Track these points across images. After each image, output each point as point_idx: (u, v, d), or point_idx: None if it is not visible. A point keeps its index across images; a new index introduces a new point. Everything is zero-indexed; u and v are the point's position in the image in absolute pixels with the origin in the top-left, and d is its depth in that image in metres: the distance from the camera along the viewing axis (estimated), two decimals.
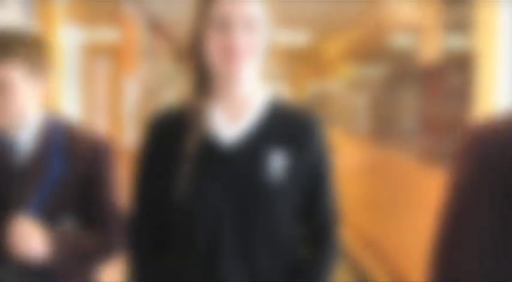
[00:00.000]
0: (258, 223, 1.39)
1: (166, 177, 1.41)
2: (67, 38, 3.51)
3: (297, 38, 7.73)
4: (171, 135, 1.43)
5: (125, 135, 5.15)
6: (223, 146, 1.41)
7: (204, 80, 1.45)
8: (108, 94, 4.65)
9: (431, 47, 4.09)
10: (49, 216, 1.56)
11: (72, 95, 3.65)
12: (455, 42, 3.66)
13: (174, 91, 8.29)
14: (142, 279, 1.47)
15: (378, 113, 5.93)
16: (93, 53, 4.13)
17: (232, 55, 1.38)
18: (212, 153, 1.40)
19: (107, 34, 4.67)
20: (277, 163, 1.40)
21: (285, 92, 10.95)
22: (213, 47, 1.39)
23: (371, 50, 6.19)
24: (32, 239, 1.47)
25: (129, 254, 1.50)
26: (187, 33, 1.46)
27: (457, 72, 3.53)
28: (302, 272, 1.44)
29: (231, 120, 1.43)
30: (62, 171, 1.58)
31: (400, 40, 5.07)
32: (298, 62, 10.71)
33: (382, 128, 5.70)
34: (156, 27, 6.54)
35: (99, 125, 4.39)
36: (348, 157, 6.96)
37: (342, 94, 8.01)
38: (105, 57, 4.60)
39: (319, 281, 1.45)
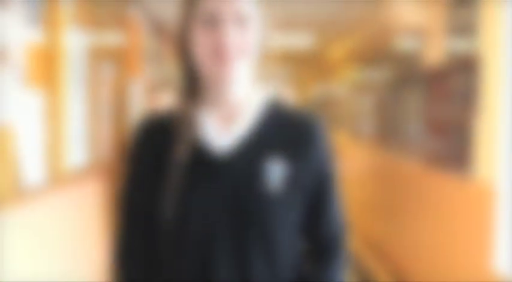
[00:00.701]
0: (254, 235, 1.28)
1: (155, 187, 1.30)
2: (72, 42, 3.52)
3: (301, 41, 7.73)
4: (160, 142, 1.32)
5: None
6: (216, 154, 1.30)
7: (194, 82, 1.34)
8: (113, 98, 4.67)
9: (436, 50, 4.09)
10: None
11: (78, 98, 3.67)
12: (459, 45, 3.67)
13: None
14: None
15: (383, 116, 5.93)
16: (98, 56, 4.15)
17: (222, 54, 1.27)
18: (204, 162, 1.29)
19: (112, 38, 4.69)
20: (276, 171, 1.29)
21: (289, 95, 10.94)
22: (201, 45, 1.28)
23: (375, 53, 6.19)
24: None
25: (118, 266, 1.39)
26: (175, 32, 1.35)
27: (461, 75, 3.53)
28: None
29: (224, 126, 1.32)
30: None
31: (405, 43, 5.08)
32: (302, 65, 10.71)
33: (387, 130, 5.70)
34: (160, 30, 6.55)
35: (104, 129, 4.40)
36: (352, 160, 6.95)
37: (347, 97, 8.01)
38: (110, 61, 4.61)
39: None
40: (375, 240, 5.64)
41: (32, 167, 2.88)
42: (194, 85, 1.35)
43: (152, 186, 1.31)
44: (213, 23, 1.27)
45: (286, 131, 1.34)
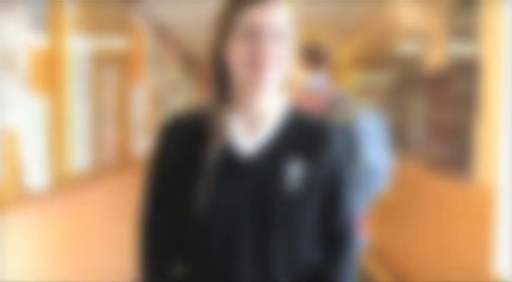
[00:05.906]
0: (276, 231, 1.40)
1: (183, 184, 1.41)
2: (76, 47, 3.54)
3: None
4: (188, 141, 1.43)
5: (133, 143, 5.17)
6: (242, 155, 1.42)
7: (226, 88, 1.46)
8: (116, 102, 4.68)
9: (438, 53, 4.10)
10: None
11: (81, 104, 3.68)
12: (461, 48, 3.67)
13: (181, 99, 8.31)
14: None
15: (385, 119, 5.93)
16: (101, 61, 4.17)
17: (259, 62, 1.39)
18: (232, 162, 1.41)
19: (114, 43, 4.71)
20: (295, 172, 1.41)
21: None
22: (240, 55, 1.40)
23: (378, 56, 6.20)
24: None
25: (144, 261, 1.49)
26: (209, 41, 1.46)
27: (463, 78, 3.54)
28: (316, 278, 1.45)
29: (250, 130, 1.44)
30: None
31: (407, 47, 5.09)
32: None
33: (389, 134, 5.70)
34: (163, 35, 6.58)
35: (107, 133, 4.42)
36: None
37: None
38: (113, 66, 4.63)
39: None
40: (377, 242, 5.64)
41: (36, 171, 2.90)
42: (225, 91, 1.46)
43: (181, 183, 1.41)
44: (253, 34, 1.39)
45: (304, 136, 1.46)
